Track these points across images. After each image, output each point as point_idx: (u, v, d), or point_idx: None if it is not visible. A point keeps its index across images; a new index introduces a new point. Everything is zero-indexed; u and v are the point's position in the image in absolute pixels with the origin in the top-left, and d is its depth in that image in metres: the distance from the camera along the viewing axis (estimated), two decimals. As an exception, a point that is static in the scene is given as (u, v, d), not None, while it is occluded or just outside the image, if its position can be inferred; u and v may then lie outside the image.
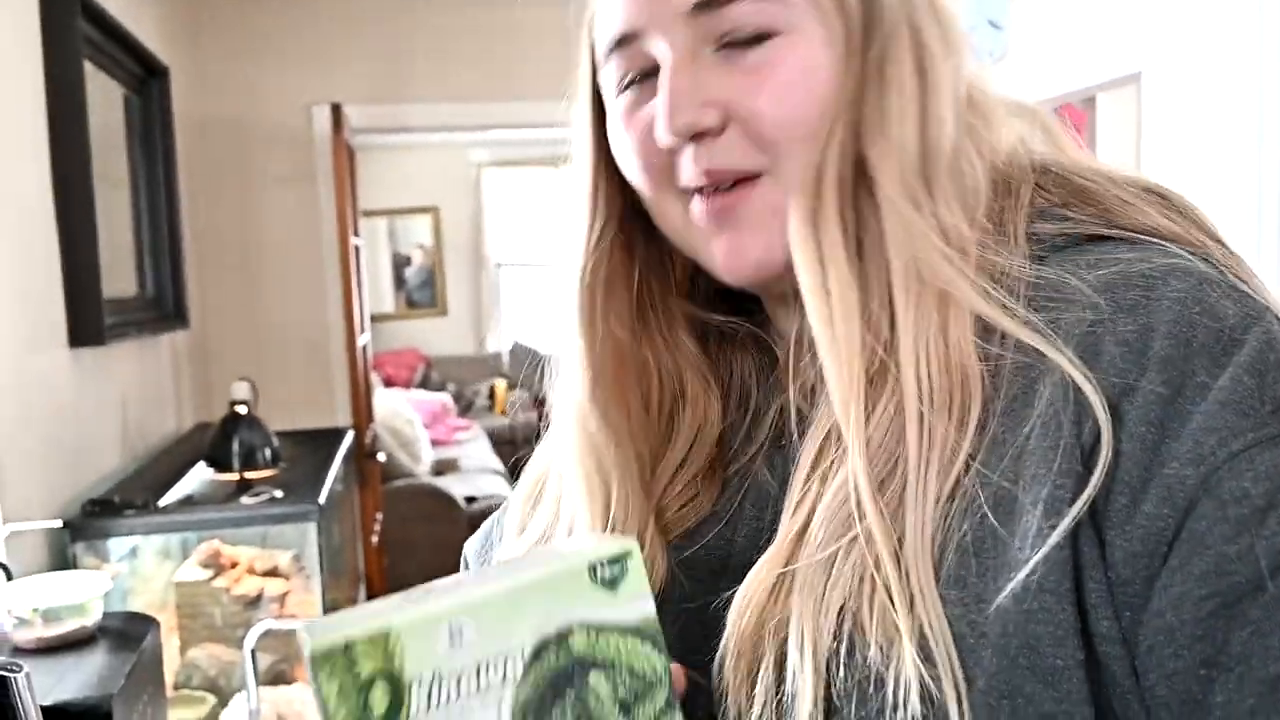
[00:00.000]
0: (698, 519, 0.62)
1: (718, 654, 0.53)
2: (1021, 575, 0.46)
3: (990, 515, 0.48)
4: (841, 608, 0.50)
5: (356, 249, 3.54)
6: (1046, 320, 0.51)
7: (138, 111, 2.72)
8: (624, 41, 0.58)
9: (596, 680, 0.45)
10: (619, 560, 0.46)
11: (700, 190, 0.58)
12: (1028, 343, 0.50)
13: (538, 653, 0.44)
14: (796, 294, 0.57)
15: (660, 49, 0.57)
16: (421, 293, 7.56)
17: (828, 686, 0.49)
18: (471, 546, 0.77)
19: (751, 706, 0.51)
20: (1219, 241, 0.55)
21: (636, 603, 0.46)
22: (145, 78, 2.75)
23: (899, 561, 0.49)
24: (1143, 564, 0.46)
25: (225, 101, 3.59)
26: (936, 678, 0.46)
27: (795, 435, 0.59)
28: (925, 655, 0.47)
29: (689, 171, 0.57)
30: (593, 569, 0.46)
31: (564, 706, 0.45)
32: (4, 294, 1.83)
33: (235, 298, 3.62)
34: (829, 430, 0.55)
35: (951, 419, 0.50)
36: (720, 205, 0.57)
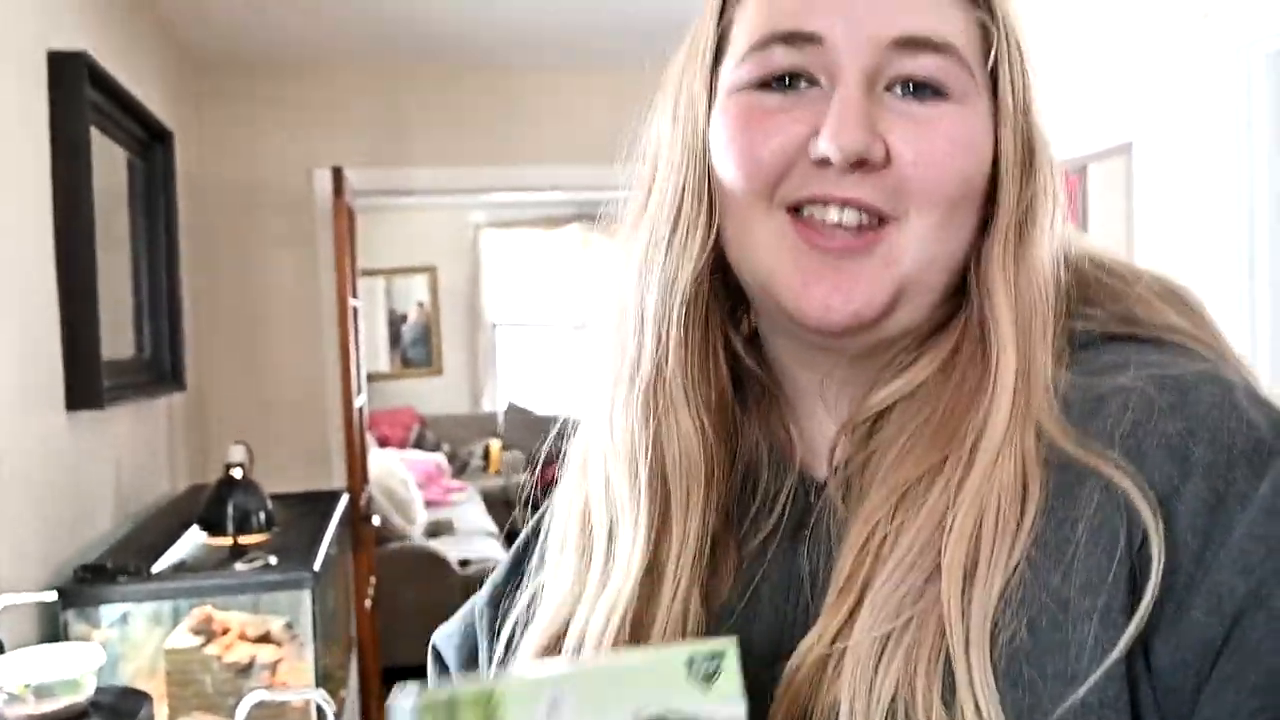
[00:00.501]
0: (718, 604, 0.60)
1: None
2: (1083, 690, 0.46)
3: (1044, 618, 0.48)
4: (894, 697, 0.49)
5: (355, 310, 3.55)
6: (1081, 421, 0.52)
7: (141, 174, 2.74)
8: (797, 39, 0.55)
9: None
10: (716, 657, 0.47)
11: (800, 213, 0.56)
12: (1078, 457, 0.50)
13: None
14: (863, 361, 0.59)
15: (843, 63, 0.54)
16: (417, 351, 7.56)
17: None
18: (440, 636, 0.74)
19: None
20: (1228, 345, 0.57)
21: (728, 703, 0.46)
22: (149, 141, 2.78)
23: (965, 649, 0.48)
24: (1191, 672, 0.46)
25: (228, 165, 3.62)
26: None
27: (828, 519, 0.58)
28: None
29: (816, 189, 0.55)
30: (690, 660, 0.46)
31: None
32: (3, 356, 1.82)
33: (233, 360, 3.62)
34: (888, 508, 0.54)
35: (1015, 513, 0.51)
36: (844, 244, 0.55)
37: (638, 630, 0.58)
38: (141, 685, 1.91)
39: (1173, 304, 0.58)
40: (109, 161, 2.45)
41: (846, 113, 0.53)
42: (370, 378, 6.19)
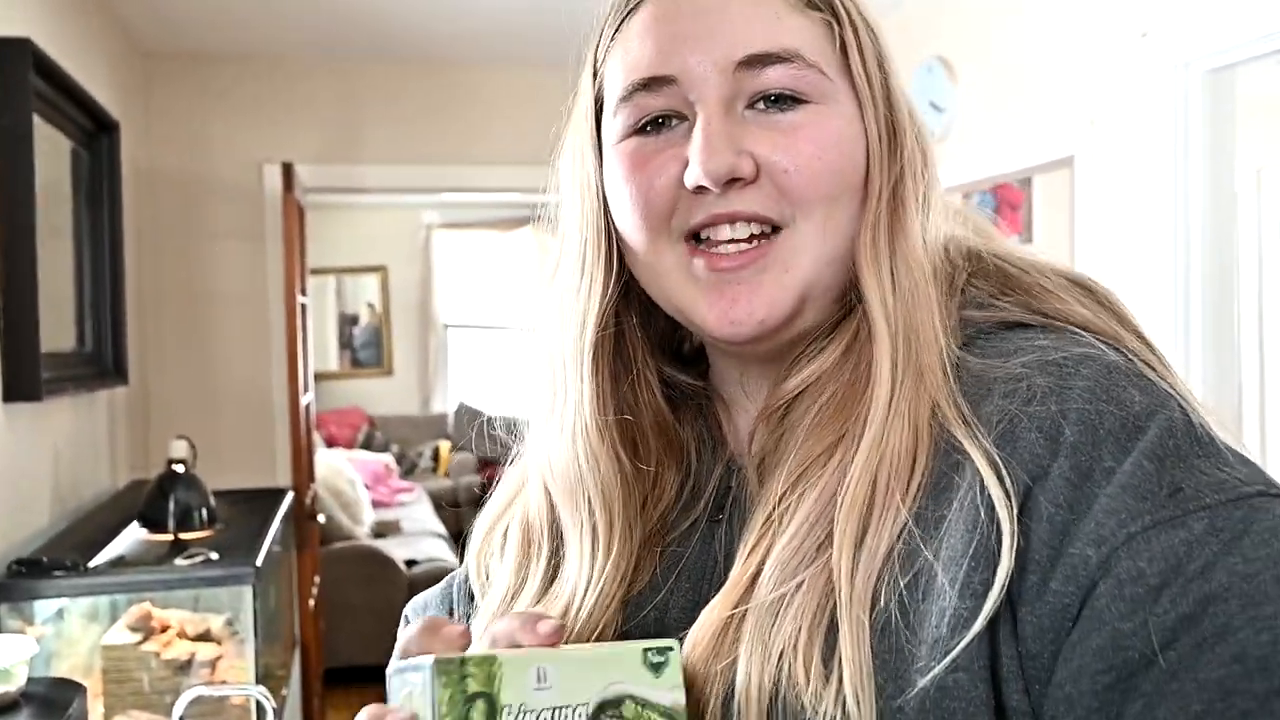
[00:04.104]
0: (636, 590, 0.64)
1: None
2: (945, 662, 0.49)
3: (917, 589, 0.51)
4: (781, 653, 0.52)
5: (303, 307, 3.52)
6: (970, 406, 0.54)
7: (85, 165, 2.70)
8: (654, 84, 0.60)
9: None
10: (664, 651, 0.55)
11: (700, 240, 0.60)
12: (960, 440, 0.53)
13: (598, 711, 0.53)
14: (778, 356, 0.62)
15: (699, 95, 0.59)
16: (367, 352, 7.50)
17: None
18: (414, 606, 0.77)
19: None
20: (1135, 330, 0.59)
21: (672, 691, 0.54)
22: (95, 132, 2.74)
23: (848, 607, 0.51)
24: (1049, 639, 0.48)
25: (176, 157, 3.58)
26: None
27: (744, 501, 0.62)
28: (845, 713, 0.50)
29: (703, 214, 0.59)
30: (645, 652, 0.54)
31: None
32: (-62, 347, 1.79)
33: (178, 354, 3.57)
34: (790, 481, 0.58)
35: (901, 486, 0.54)
36: (736, 262, 0.59)
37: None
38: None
39: (1076, 294, 0.60)
40: (53, 151, 2.41)
41: (708, 139, 0.57)
42: (319, 377, 6.14)
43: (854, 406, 0.58)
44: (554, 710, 0.52)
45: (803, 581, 0.54)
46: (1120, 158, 2.52)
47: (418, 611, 0.77)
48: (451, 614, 0.75)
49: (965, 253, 0.63)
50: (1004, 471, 0.50)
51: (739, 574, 0.57)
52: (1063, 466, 0.50)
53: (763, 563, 0.56)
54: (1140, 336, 0.59)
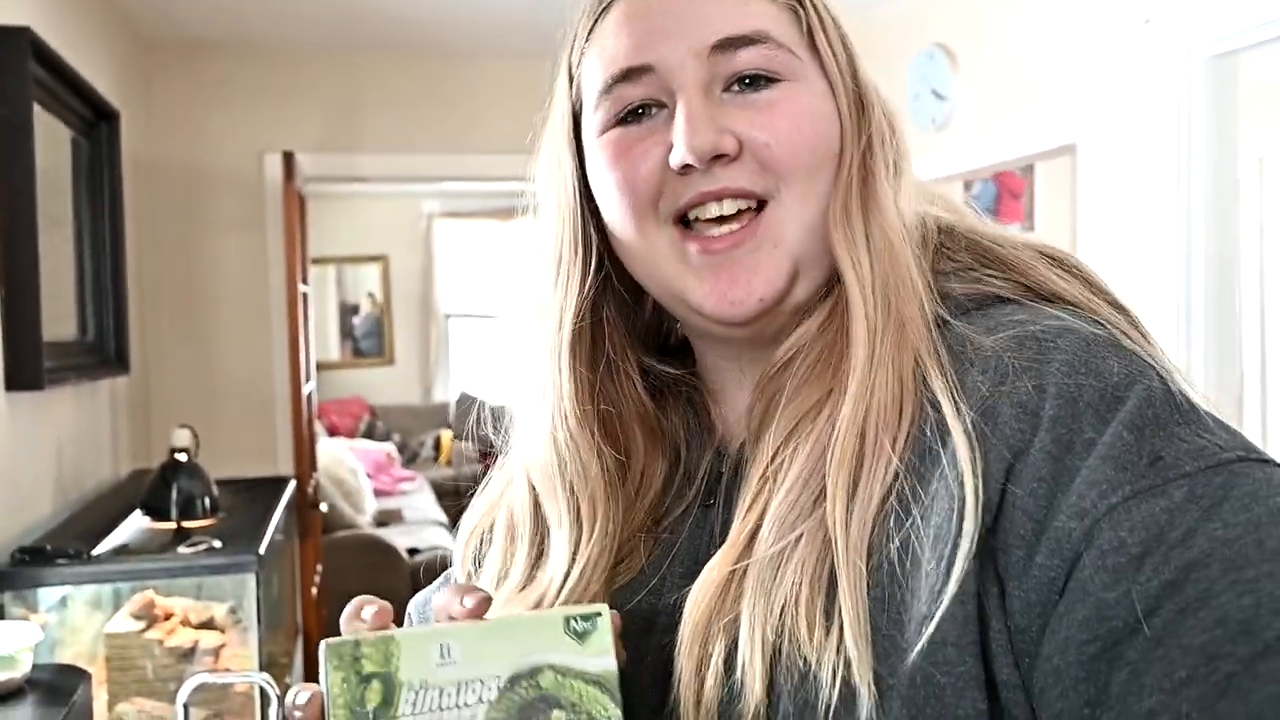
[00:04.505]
0: (629, 577, 0.65)
1: (676, 645, 0.57)
2: (929, 632, 0.49)
3: (908, 555, 0.52)
4: (783, 607, 0.53)
5: (304, 297, 3.52)
6: (954, 369, 0.55)
7: (86, 154, 2.69)
8: (632, 74, 0.62)
9: (558, 716, 0.52)
10: (590, 618, 0.54)
11: (689, 224, 0.61)
12: (936, 395, 0.54)
13: (511, 683, 0.52)
14: (772, 339, 0.63)
15: (677, 81, 0.61)
16: (368, 342, 7.50)
17: (770, 679, 0.53)
18: (415, 603, 0.78)
19: (702, 693, 0.55)
20: (1108, 298, 0.60)
21: (601, 657, 0.53)
22: (95, 121, 2.73)
23: (845, 555, 0.52)
24: (1037, 612, 0.49)
25: (176, 146, 3.57)
26: (854, 680, 0.50)
27: (739, 478, 0.62)
28: (847, 663, 0.50)
29: (690, 193, 0.61)
30: (568, 620, 0.54)
31: None
32: (-60, 336, 1.79)
33: (179, 343, 3.57)
34: (782, 439, 0.59)
35: (889, 436, 0.55)
36: (728, 242, 0.61)
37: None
38: (80, 669, 1.88)
39: (1045, 264, 0.61)
40: (53, 140, 2.40)
41: (690, 120, 0.60)
42: (320, 367, 6.14)
43: (839, 363, 0.59)
44: (461, 684, 0.51)
45: (801, 535, 0.55)
46: (1123, 145, 2.52)
47: (418, 607, 0.77)
48: None
49: (938, 225, 0.65)
50: (974, 436, 0.51)
51: (738, 531, 0.58)
52: (1044, 440, 0.50)
53: (761, 519, 0.57)
54: (1114, 304, 0.60)
